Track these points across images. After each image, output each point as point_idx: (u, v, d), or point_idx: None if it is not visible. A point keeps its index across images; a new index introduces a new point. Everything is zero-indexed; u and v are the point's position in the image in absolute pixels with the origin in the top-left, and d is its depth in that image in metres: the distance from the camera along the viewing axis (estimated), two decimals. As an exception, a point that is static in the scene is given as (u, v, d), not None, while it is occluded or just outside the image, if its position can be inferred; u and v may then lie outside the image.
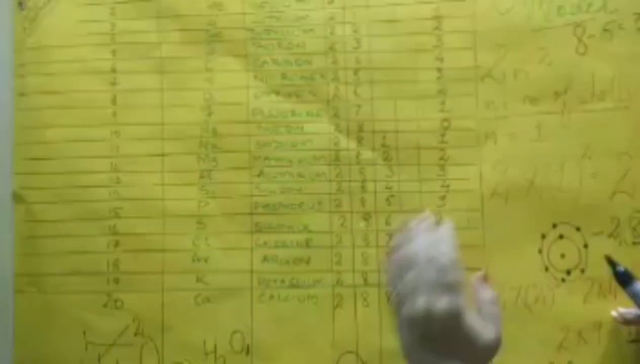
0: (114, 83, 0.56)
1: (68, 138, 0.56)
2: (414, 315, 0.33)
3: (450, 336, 0.32)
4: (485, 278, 0.39)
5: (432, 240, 0.36)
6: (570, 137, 0.51)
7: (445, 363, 0.32)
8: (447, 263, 0.35)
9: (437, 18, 0.52)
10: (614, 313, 0.49)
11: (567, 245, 0.51)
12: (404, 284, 0.34)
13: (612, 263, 0.47)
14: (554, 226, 0.51)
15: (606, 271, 0.49)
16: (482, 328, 0.33)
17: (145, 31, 0.56)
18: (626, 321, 0.48)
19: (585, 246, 0.50)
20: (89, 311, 0.54)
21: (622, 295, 0.48)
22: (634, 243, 0.50)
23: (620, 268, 0.46)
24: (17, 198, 0.56)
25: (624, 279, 0.46)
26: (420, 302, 0.33)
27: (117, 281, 0.54)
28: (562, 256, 0.51)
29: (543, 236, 0.51)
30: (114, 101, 0.55)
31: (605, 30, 0.51)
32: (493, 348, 0.34)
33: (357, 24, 0.53)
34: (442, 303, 0.32)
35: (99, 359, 0.54)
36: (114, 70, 0.56)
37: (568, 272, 0.50)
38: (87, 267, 0.55)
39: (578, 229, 0.50)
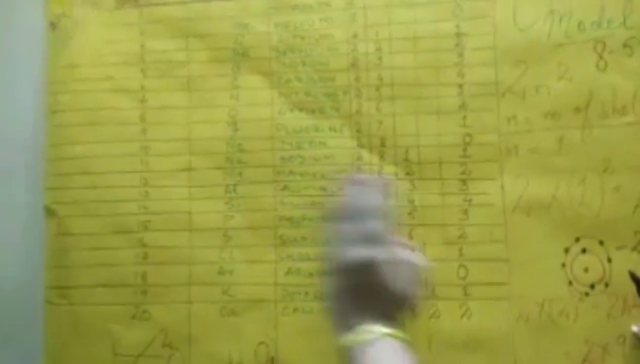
0: (142, 101, 0.57)
1: (98, 154, 0.57)
2: (331, 266, 0.33)
3: (365, 287, 0.33)
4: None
5: (360, 191, 0.36)
6: (591, 152, 0.51)
7: (362, 313, 0.33)
8: (367, 213, 0.34)
9: (458, 35, 0.53)
10: (634, 328, 0.49)
11: (591, 259, 0.51)
12: (330, 237, 0.34)
13: (635, 278, 0.47)
14: (577, 240, 0.51)
15: (630, 286, 0.50)
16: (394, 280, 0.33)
17: (173, 50, 0.57)
18: None
19: (609, 260, 0.50)
20: (117, 322, 0.55)
21: (646, 308, 0.49)
22: None
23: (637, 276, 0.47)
24: (49, 212, 0.57)
25: None
26: (337, 253, 0.33)
27: (144, 293, 0.55)
28: (586, 270, 0.51)
29: (566, 250, 0.51)
30: (142, 118, 0.57)
31: (625, 45, 0.51)
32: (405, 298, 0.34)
33: (379, 42, 0.55)
34: (355, 253, 0.32)
35: None
36: (142, 88, 0.57)
37: (592, 286, 0.50)
38: (115, 279, 0.56)
39: (601, 243, 0.51)
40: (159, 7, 0.57)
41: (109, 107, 0.58)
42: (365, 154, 0.54)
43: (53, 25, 0.59)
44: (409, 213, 0.53)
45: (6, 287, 0.59)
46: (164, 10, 0.57)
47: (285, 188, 0.55)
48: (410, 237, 0.53)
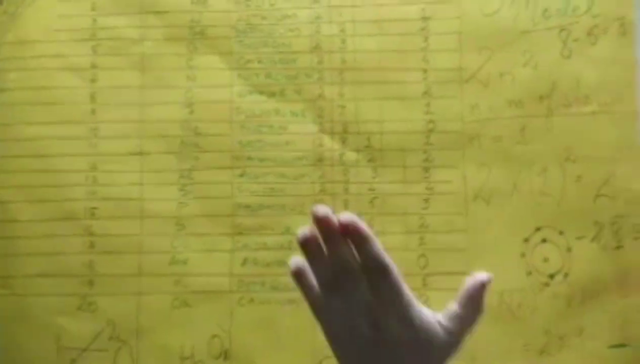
0: (93, 80, 0.55)
1: (46, 136, 0.54)
2: None
3: None
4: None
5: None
6: (554, 141, 0.51)
7: None
8: None
9: (424, 19, 0.53)
10: None
11: (551, 249, 0.51)
12: None
13: None
14: (537, 229, 0.51)
15: (590, 276, 0.50)
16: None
17: (126, 27, 0.55)
18: None
19: (569, 250, 0.50)
20: (62, 314, 0.53)
21: (609, 300, 0.49)
22: (617, 247, 0.50)
23: None
24: (-9, 197, 0.54)
25: None
26: None
27: (91, 283, 0.53)
28: (546, 260, 0.51)
29: (526, 240, 0.51)
30: (93, 98, 0.54)
31: (590, 34, 0.51)
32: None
33: (343, 23, 0.53)
34: None
35: (71, 363, 0.52)
36: (94, 67, 0.55)
37: (551, 276, 0.50)
38: (61, 269, 0.53)
39: (561, 233, 0.51)
40: (112, -19, 0.55)
41: (58, 86, 0.55)
42: (326, 140, 0.53)
43: (0, 0, 0.56)
44: (371, 201, 0.52)
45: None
46: (117, -16, 0.55)
47: (243, 174, 0.53)
48: (371, 226, 0.52)
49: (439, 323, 0.35)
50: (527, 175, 0.51)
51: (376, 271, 0.33)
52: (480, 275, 0.35)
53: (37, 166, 0.54)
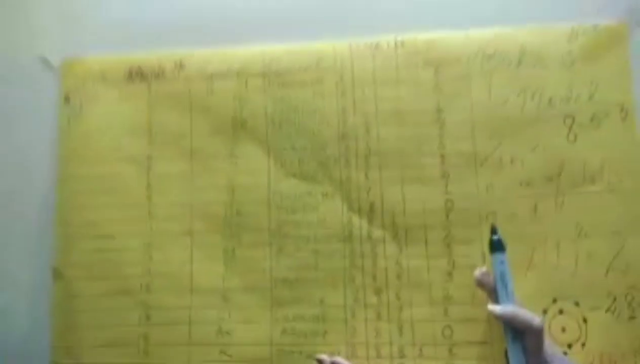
0: (148, 169, 0.61)
1: (105, 219, 0.60)
2: None
3: None
4: None
5: None
6: (564, 218, 0.54)
7: None
8: None
9: (438, 110, 0.57)
10: (477, 271, 0.50)
11: (567, 320, 0.53)
12: None
13: (493, 229, 0.49)
14: (554, 301, 0.54)
15: (606, 345, 0.52)
16: None
17: (177, 122, 0.61)
18: (480, 283, 0.49)
19: (585, 320, 0.53)
20: None
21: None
22: (630, 318, 0.52)
23: (496, 237, 0.49)
24: (57, 274, 0.60)
25: (495, 246, 0.49)
26: None
27: (147, 353, 0.58)
28: (563, 330, 0.53)
29: (545, 311, 0.53)
30: (148, 185, 0.61)
31: (593, 119, 0.55)
32: None
33: (366, 115, 0.58)
34: None
35: None
36: (149, 158, 0.61)
37: (569, 346, 0.53)
38: (119, 340, 0.58)
39: (577, 304, 0.53)
40: (165, 83, 0.62)
41: (117, 174, 0.61)
42: (355, 219, 0.58)
43: (67, 99, 0.63)
44: (397, 275, 0.56)
45: (14, 347, 0.61)
46: (169, 85, 0.62)
47: (280, 250, 0.58)
48: (398, 298, 0.56)
49: None
50: (542, 251, 0.54)
51: None
52: None
53: (97, 246, 0.60)
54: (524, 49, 0.57)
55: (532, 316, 0.46)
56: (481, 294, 0.54)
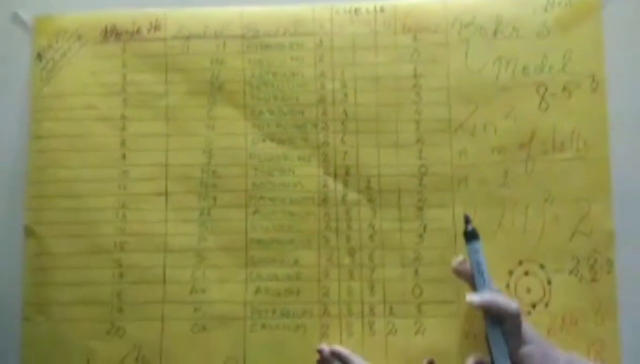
0: (123, 129, 0.60)
1: (79, 178, 0.60)
2: None
3: None
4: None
5: None
6: (533, 184, 0.56)
7: None
8: None
9: (415, 76, 0.58)
10: (454, 262, 0.52)
11: (532, 281, 0.55)
12: None
13: (466, 219, 0.51)
14: (520, 263, 0.56)
15: (568, 305, 0.55)
16: None
17: (153, 83, 0.60)
18: (457, 272, 0.52)
19: (549, 282, 0.55)
20: (93, 338, 0.58)
21: (585, 327, 0.54)
22: (592, 280, 0.55)
23: (470, 227, 0.51)
24: (29, 232, 0.60)
25: (469, 236, 0.50)
26: None
27: (120, 310, 0.58)
28: (528, 291, 0.55)
29: (510, 273, 0.56)
30: (122, 144, 0.60)
31: (565, 89, 0.57)
32: None
33: (344, 80, 0.59)
34: None
35: None
36: (123, 117, 0.60)
37: (533, 306, 0.55)
38: (92, 297, 0.58)
39: (542, 266, 0.55)
40: (140, 43, 0.61)
41: (91, 133, 0.60)
42: (330, 182, 0.58)
43: (39, 57, 0.62)
44: (370, 237, 0.57)
45: (-15, 304, 0.61)
46: (145, 45, 0.61)
47: (256, 212, 0.59)
48: (372, 259, 0.57)
49: None
50: (510, 215, 0.56)
51: None
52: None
53: (70, 205, 0.60)
54: (500, 19, 0.58)
55: (509, 302, 0.48)
56: (450, 255, 0.55)
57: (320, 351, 0.54)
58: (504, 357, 0.47)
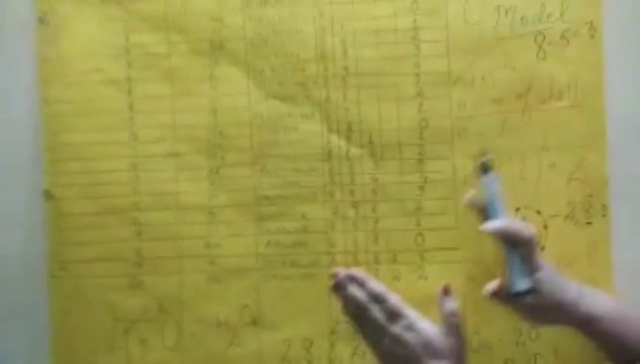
0: (129, 91, 0.62)
1: (90, 141, 0.62)
2: None
3: None
4: (447, 292, 0.52)
5: None
6: (530, 133, 0.57)
7: None
8: None
9: (414, 29, 0.58)
10: (466, 196, 0.54)
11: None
12: None
13: (483, 152, 0.54)
14: (517, 209, 0.58)
15: (563, 249, 0.57)
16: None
17: (155, 43, 0.61)
18: (470, 205, 0.54)
19: (545, 227, 0.58)
20: (115, 292, 0.61)
21: (580, 268, 0.57)
22: (587, 223, 0.57)
23: (486, 158, 0.53)
24: (48, 195, 0.63)
25: (484, 168, 0.53)
26: None
27: (139, 265, 0.61)
28: (525, 236, 0.58)
29: None
30: (130, 107, 0.62)
31: (563, 37, 0.57)
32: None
33: (344, 35, 0.59)
34: None
35: (126, 333, 0.61)
36: (129, 79, 0.62)
37: None
38: (112, 254, 0.61)
39: (538, 212, 0.58)
40: (140, 3, 0.61)
41: (99, 97, 0.62)
42: (333, 138, 0.60)
43: (41, 20, 0.63)
44: (373, 190, 0.60)
45: (13, 263, 0.64)
46: (145, 5, 0.61)
47: (263, 169, 0.61)
48: (375, 210, 0.60)
49: (440, 331, 0.50)
50: (508, 163, 0.58)
51: (378, 299, 0.52)
52: (450, 304, 0.52)
53: (84, 168, 0.62)
54: (499, -33, 0.57)
55: (522, 227, 0.50)
56: (450, 205, 0.58)
57: (335, 275, 0.56)
58: (522, 279, 0.50)
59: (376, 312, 0.52)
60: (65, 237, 0.63)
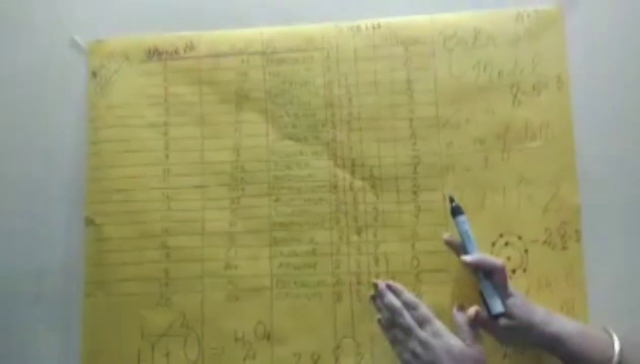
0: (165, 133, 0.71)
1: (129, 175, 0.71)
2: None
3: None
4: (462, 307, 0.59)
5: None
6: (509, 168, 0.65)
7: None
8: None
9: (408, 81, 0.68)
10: (444, 236, 0.62)
11: (512, 250, 0.64)
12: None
13: (450, 199, 0.62)
14: (501, 235, 0.64)
15: (543, 270, 0.64)
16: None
17: (189, 94, 0.71)
18: (448, 244, 0.61)
19: (526, 251, 0.64)
20: (144, 308, 0.68)
21: (558, 288, 0.63)
22: (563, 248, 0.64)
23: (454, 204, 0.61)
24: (89, 221, 0.71)
25: (455, 211, 0.61)
26: None
27: (167, 284, 0.68)
28: (508, 259, 0.64)
29: (493, 244, 0.65)
30: (165, 146, 0.71)
31: (534, 88, 0.66)
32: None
33: (349, 86, 0.69)
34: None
35: (152, 347, 0.67)
36: (165, 124, 0.71)
37: (513, 271, 0.64)
38: (143, 274, 0.68)
39: (519, 238, 0.64)
40: (178, 61, 0.72)
41: (139, 138, 0.71)
42: (339, 172, 0.68)
43: (94, 75, 0.74)
44: (374, 217, 0.68)
45: (53, 281, 0.72)
46: (182, 63, 0.72)
47: (277, 199, 0.69)
48: (375, 236, 0.68)
49: (462, 341, 0.56)
50: (491, 195, 0.65)
51: (410, 307, 0.58)
52: (464, 316, 0.58)
53: (122, 198, 0.70)
54: (478, 30, 0.68)
55: (495, 259, 0.58)
56: (441, 231, 0.65)
57: (375, 285, 0.62)
58: (498, 303, 0.57)
59: (408, 318, 0.58)
60: (102, 259, 0.70)
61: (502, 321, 0.56)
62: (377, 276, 0.67)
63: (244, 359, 0.67)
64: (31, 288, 0.72)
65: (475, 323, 0.58)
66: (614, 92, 0.67)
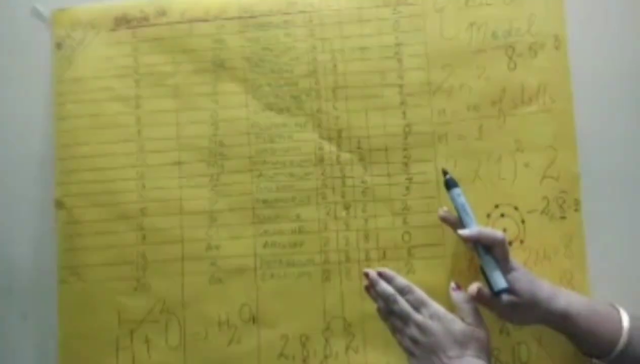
0: (137, 107, 0.67)
1: (100, 153, 0.66)
2: None
3: None
4: (458, 286, 0.57)
5: None
6: (505, 135, 0.62)
7: None
8: None
9: (397, 45, 0.64)
10: (440, 212, 0.59)
11: (508, 222, 0.62)
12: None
13: (444, 172, 0.59)
14: (496, 206, 0.62)
15: (540, 241, 0.61)
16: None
17: (162, 63, 0.67)
18: (444, 219, 0.59)
19: (523, 222, 0.62)
20: (121, 294, 0.64)
21: (557, 260, 0.60)
22: (562, 218, 0.61)
23: (448, 176, 0.59)
24: (59, 204, 0.67)
25: (449, 184, 0.58)
26: None
27: (144, 268, 0.65)
28: (505, 230, 0.62)
29: (488, 215, 0.62)
30: (138, 121, 0.67)
31: (530, 49, 0.63)
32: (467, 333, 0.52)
33: (333, 52, 0.65)
34: None
35: (131, 334, 0.64)
36: (137, 96, 0.67)
37: (510, 243, 0.61)
38: (119, 258, 0.65)
39: (516, 208, 0.62)
40: (148, 28, 0.67)
41: (109, 113, 0.67)
42: (325, 145, 0.65)
43: (59, 45, 0.69)
44: (363, 191, 0.64)
45: (24, 269, 0.68)
46: (153, 30, 0.67)
47: (260, 175, 0.65)
48: (365, 211, 0.64)
49: (461, 320, 0.54)
50: (486, 164, 0.62)
51: (404, 292, 0.56)
52: (461, 294, 0.56)
53: (94, 178, 0.66)
54: (471, -12, 0.64)
55: (494, 231, 0.55)
56: (434, 204, 0.62)
57: (366, 274, 0.59)
58: (500, 278, 0.54)
59: (403, 303, 0.55)
60: (75, 243, 0.66)
61: (505, 298, 0.53)
62: (367, 253, 0.63)
63: (229, 343, 0.63)
64: (1, 279, 0.69)
65: (476, 300, 0.54)
66: (614, 52, 0.64)
